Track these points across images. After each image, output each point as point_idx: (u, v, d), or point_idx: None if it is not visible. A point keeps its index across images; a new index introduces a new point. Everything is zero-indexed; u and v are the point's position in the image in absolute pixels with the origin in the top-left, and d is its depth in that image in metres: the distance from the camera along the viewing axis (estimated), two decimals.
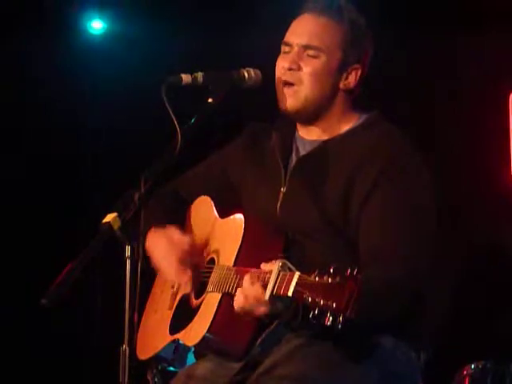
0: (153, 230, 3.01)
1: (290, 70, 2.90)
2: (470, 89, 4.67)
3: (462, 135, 4.67)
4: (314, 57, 2.89)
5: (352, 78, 2.93)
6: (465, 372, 3.85)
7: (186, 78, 2.79)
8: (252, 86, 2.89)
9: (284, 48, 2.94)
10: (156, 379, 3.48)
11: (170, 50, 5.08)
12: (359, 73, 2.94)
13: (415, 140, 2.90)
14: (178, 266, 2.94)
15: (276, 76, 2.94)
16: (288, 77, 2.90)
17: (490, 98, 4.66)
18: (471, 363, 3.84)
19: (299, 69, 2.89)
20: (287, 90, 2.90)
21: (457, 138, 4.67)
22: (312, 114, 2.94)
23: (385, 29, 4.63)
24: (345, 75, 2.92)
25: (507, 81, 4.64)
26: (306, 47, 2.89)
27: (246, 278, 2.59)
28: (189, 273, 2.94)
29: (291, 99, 2.90)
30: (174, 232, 2.99)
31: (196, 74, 2.80)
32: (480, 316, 4.49)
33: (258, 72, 2.89)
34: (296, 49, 2.90)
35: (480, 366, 3.81)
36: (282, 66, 2.92)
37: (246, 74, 2.87)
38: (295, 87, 2.89)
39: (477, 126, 4.63)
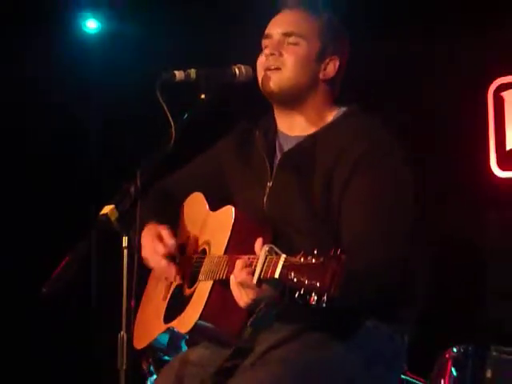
0: (146, 225, 2.99)
1: (272, 55, 2.89)
2: (450, 85, 4.67)
3: (443, 130, 4.67)
4: (295, 44, 2.89)
5: (330, 69, 2.93)
6: (447, 355, 3.86)
7: (179, 74, 2.77)
8: (243, 82, 2.87)
9: (264, 42, 2.94)
10: (151, 368, 3.48)
11: (162, 47, 5.08)
12: (337, 64, 2.93)
13: (394, 131, 2.89)
14: (165, 263, 2.94)
15: (258, 67, 2.93)
16: (270, 62, 2.89)
17: (470, 93, 4.67)
18: (453, 347, 3.85)
19: (281, 55, 2.89)
20: (270, 72, 2.89)
21: (439, 133, 4.68)
22: (295, 97, 2.92)
23: (366, 29, 4.67)
24: (323, 66, 2.92)
25: (486, 76, 4.65)
26: (287, 34, 2.90)
27: (237, 263, 2.58)
28: (174, 267, 2.94)
29: (275, 78, 2.89)
30: (164, 231, 2.98)
31: (189, 71, 2.77)
32: (462, 303, 4.50)
33: (249, 68, 2.88)
34: (277, 37, 2.91)
35: (462, 350, 3.82)
36: (264, 54, 2.91)
37: (237, 71, 2.85)
38: (278, 70, 2.89)
39: (457, 120, 4.64)
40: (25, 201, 5.19)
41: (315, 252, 2.32)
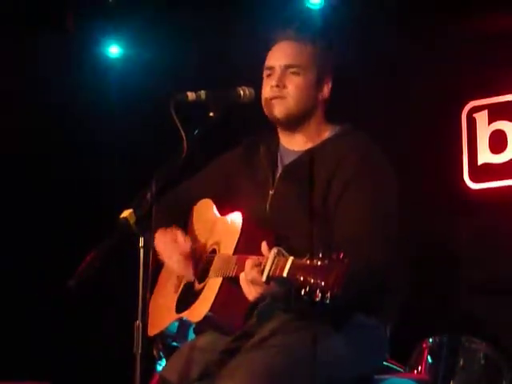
0: (159, 231, 3.02)
1: (277, 86, 2.90)
2: (427, 105, 4.67)
3: (421, 146, 4.67)
4: (296, 74, 2.90)
5: (326, 90, 2.96)
6: (424, 345, 3.87)
7: (190, 95, 2.79)
8: (246, 102, 2.88)
9: (266, 72, 2.95)
10: (161, 353, 3.48)
11: (177, 70, 5.08)
12: (330, 84, 2.97)
13: (381, 146, 2.92)
14: (180, 259, 2.97)
15: (264, 96, 2.94)
16: (276, 93, 2.91)
17: (445, 113, 4.67)
18: (430, 337, 3.85)
19: (285, 86, 2.90)
20: (275, 101, 2.91)
21: (417, 149, 4.67)
22: (298, 121, 2.94)
23: (350, 47, 4.66)
24: (320, 88, 2.94)
25: (460, 98, 4.65)
26: (288, 66, 2.91)
27: (247, 263, 2.59)
28: (189, 265, 2.97)
29: (280, 106, 2.91)
30: (177, 232, 3.01)
31: (199, 92, 2.79)
32: (438, 300, 4.50)
33: (252, 90, 2.89)
34: (279, 70, 2.92)
35: (437, 340, 3.83)
36: (269, 85, 2.92)
37: (241, 92, 2.87)
38: (283, 99, 2.90)
39: (434, 136, 4.64)
40: (48, 206, 5.17)
41: (320, 255, 2.33)
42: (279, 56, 2.94)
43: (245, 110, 2.90)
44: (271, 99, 2.91)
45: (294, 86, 2.89)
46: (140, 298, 2.52)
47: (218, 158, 3.21)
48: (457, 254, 4.55)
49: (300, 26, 2.98)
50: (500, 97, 4.56)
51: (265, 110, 2.96)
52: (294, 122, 2.94)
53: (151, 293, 2.85)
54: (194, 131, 2.72)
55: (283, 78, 2.90)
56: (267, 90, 2.92)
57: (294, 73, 2.90)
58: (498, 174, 4.54)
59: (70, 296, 2.58)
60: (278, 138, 3.04)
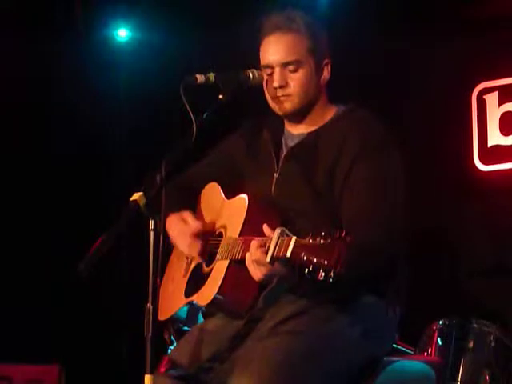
0: (170, 215, 3.02)
1: (280, 87, 2.88)
2: (437, 87, 4.67)
3: (431, 127, 4.67)
4: (295, 70, 2.87)
5: (326, 72, 2.94)
6: (434, 327, 3.88)
7: (200, 77, 2.78)
8: (255, 85, 2.88)
9: (266, 71, 2.91)
10: (172, 337, 3.49)
11: (186, 54, 5.09)
12: (329, 64, 2.94)
13: (387, 126, 2.89)
14: (190, 241, 2.96)
15: (269, 95, 2.92)
16: (280, 93, 2.89)
17: (455, 95, 4.67)
18: (439, 319, 3.86)
19: (287, 84, 2.88)
20: (282, 98, 2.90)
21: (427, 130, 4.68)
22: (305, 111, 2.94)
23: (364, 29, 4.66)
24: (321, 73, 2.92)
25: (470, 80, 4.65)
26: (286, 64, 2.87)
27: (252, 243, 2.60)
28: (199, 246, 2.96)
29: (287, 103, 2.90)
30: (187, 215, 3.01)
31: (209, 75, 2.79)
32: (447, 280, 4.51)
33: (261, 73, 2.89)
34: (277, 68, 2.88)
35: (447, 322, 3.84)
36: (272, 86, 2.89)
37: (250, 75, 2.86)
38: (289, 96, 2.89)
39: (444, 118, 4.65)
40: (56, 197, 5.19)
41: (323, 234, 2.33)
42: (274, 52, 2.89)
43: (254, 93, 2.91)
44: (277, 97, 2.90)
45: (296, 83, 2.87)
46: (150, 280, 2.52)
47: (223, 141, 3.20)
48: (467, 235, 4.56)
49: (291, 11, 2.93)
50: (510, 78, 4.55)
51: (271, 106, 2.95)
52: (301, 113, 2.94)
53: (161, 276, 2.86)
54: (204, 114, 2.71)
55: (284, 76, 2.87)
56: (271, 90, 2.91)
57: (293, 70, 2.87)
58: (509, 155, 4.54)
59: (79, 279, 2.59)
60: (282, 122, 3.03)
